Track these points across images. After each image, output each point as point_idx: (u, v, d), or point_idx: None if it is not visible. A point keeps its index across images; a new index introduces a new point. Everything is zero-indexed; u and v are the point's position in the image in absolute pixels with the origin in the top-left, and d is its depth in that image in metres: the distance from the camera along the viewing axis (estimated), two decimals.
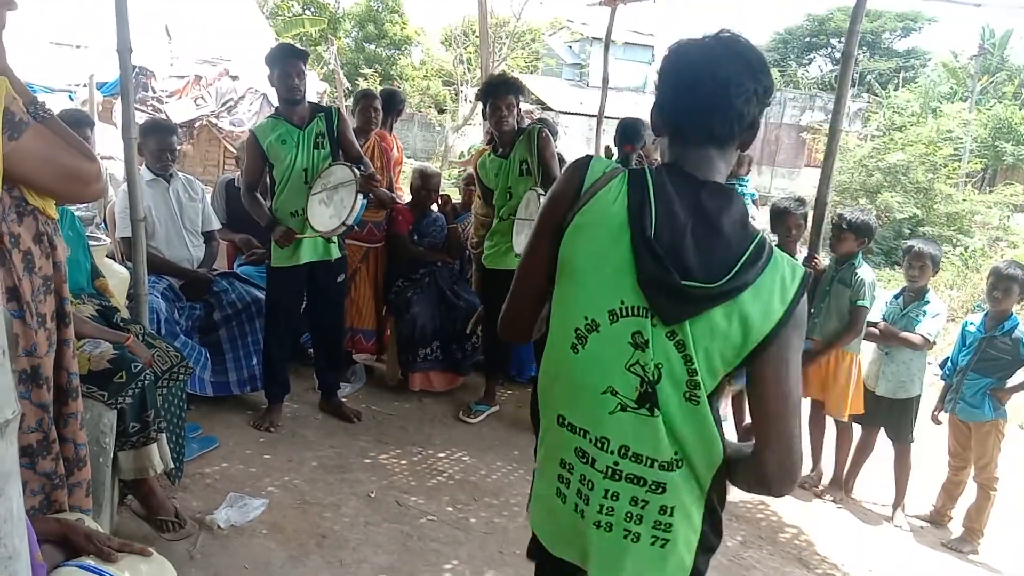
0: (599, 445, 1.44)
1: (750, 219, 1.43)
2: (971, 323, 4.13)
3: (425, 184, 4.98)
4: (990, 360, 3.91)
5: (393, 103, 5.35)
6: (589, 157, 1.51)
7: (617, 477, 1.44)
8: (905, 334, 4.02)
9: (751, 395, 1.40)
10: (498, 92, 4.23)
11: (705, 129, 1.40)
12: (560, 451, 1.52)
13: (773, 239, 4.45)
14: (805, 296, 1.37)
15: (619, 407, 1.41)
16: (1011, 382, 3.89)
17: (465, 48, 30.98)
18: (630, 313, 1.37)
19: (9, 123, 1.47)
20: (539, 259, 1.51)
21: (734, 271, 1.32)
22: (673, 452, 1.40)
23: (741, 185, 4.52)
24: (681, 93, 1.42)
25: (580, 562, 1.53)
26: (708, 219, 1.36)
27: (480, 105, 4.33)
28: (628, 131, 4.64)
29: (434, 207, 5.15)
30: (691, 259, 1.33)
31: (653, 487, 1.42)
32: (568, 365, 1.45)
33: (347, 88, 16.56)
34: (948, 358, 4.24)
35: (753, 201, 4.61)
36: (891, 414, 4.16)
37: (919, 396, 4.16)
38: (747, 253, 1.34)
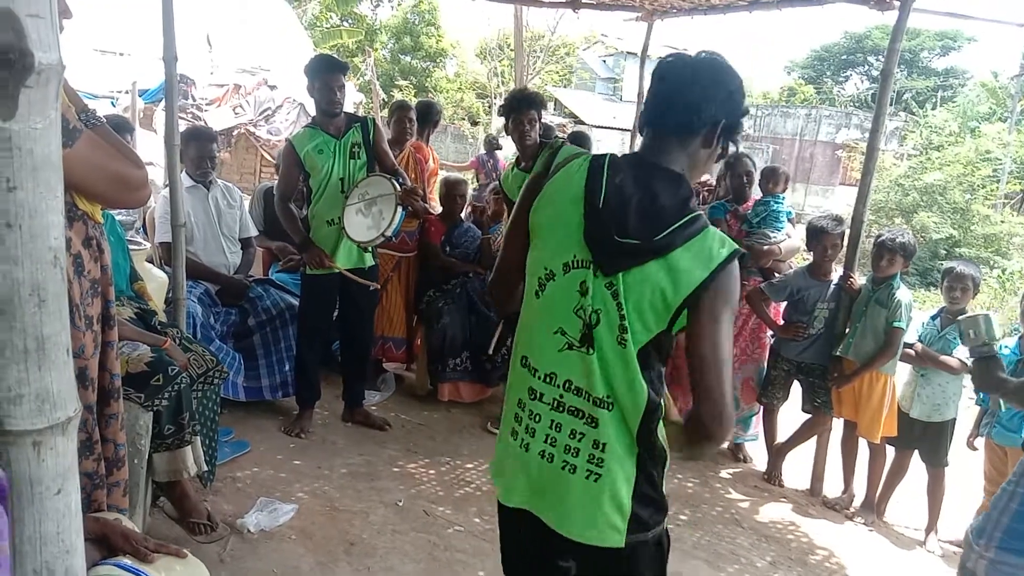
0: (548, 380, 1.69)
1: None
2: (1006, 346, 4.05)
3: (451, 192, 5.01)
4: None
5: (430, 115, 5.39)
6: (562, 143, 1.85)
7: (561, 409, 1.68)
8: (943, 358, 3.96)
9: (687, 355, 1.59)
10: (520, 107, 4.26)
11: (665, 122, 1.65)
12: (517, 392, 1.77)
13: (809, 258, 4.41)
14: (735, 270, 1.58)
15: (566, 345, 1.66)
16: None
17: (500, 61, 31.14)
18: (579, 265, 1.63)
19: (64, 131, 1.50)
20: (519, 228, 1.78)
21: (664, 233, 1.55)
22: (605, 391, 1.63)
23: (777, 203, 4.48)
24: (654, 94, 1.67)
25: (526, 504, 1.75)
26: (653, 195, 1.60)
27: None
28: None
29: (465, 216, 5.17)
30: (631, 223, 1.57)
31: (589, 420, 1.65)
32: (532, 310, 1.74)
33: (383, 99, 16.70)
34: None
35: (790, 219, 4.57)
36: (925, 437, 4.09)
37: (954, 420, 4.09)
38: (680, 222, 1.56)
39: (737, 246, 1.61)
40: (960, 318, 2.66)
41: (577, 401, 1.66)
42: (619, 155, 1.69)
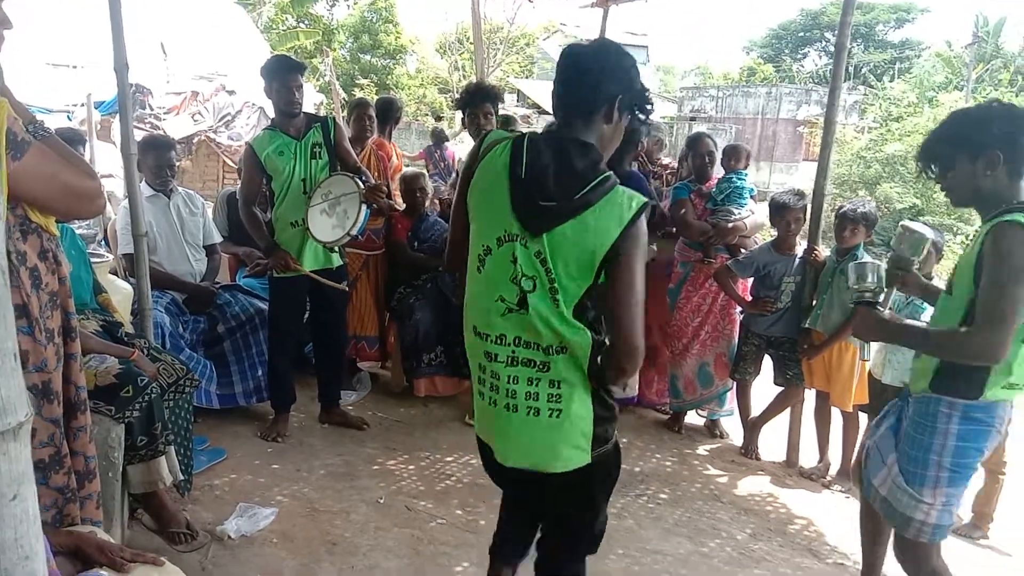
0: (499, 341, 1.90)
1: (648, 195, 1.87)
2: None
3: (410, 187, 4.99)
4: None
5: (390, 111, 5.38)
6: (490, 132, 2.08)
7: (515, 363, 1.89)
8: (910, 323, 4.02)
9: (607, 296, 1.83)
10: (475, 101, 4.28)
11: (571, 102, 1.88)
12: (477, 358, 1.99)
13: (774, 233, 4.46)
14: (644, 220, 1.80)
15: (507, 310, 1.87)
16: None
17: (460, 55, 31.05)
18: (510, 239, 1.85)
19: (12, 143, 1.48)
20: (460, 211, 2.04)
21: (581, 193, 1.77)
22: (553, 340, 1.84)
23: (740, 180, 4.53)
24: (559, 79, 1.90)
25: (506, 460, 1.99)
26: (567, 162, 1.81)
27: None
28: None
29: (431, 209, 5.15)
30: (550, 188, 1.79)
31: (542, 366, 1.87)
32: (475, 284, 1.96)
33: (343, 99, 16.60)
34: None
35: (752, 196, 4.62)
36: None
37: None
38: (594, 182, 1.78)
39: (645, 199, 1.82)
40: (851, 264, 2.70)
41: (528, 353, 1.88)
42: (536, 135, 1.91)
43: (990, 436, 2.36)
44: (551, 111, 1.97)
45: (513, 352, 1.89)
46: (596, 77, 1.84)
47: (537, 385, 1.88)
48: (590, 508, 2.08)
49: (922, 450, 2.39)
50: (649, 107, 1.92)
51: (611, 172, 1.84)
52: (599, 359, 1.88)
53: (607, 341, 1.88)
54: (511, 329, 1.88)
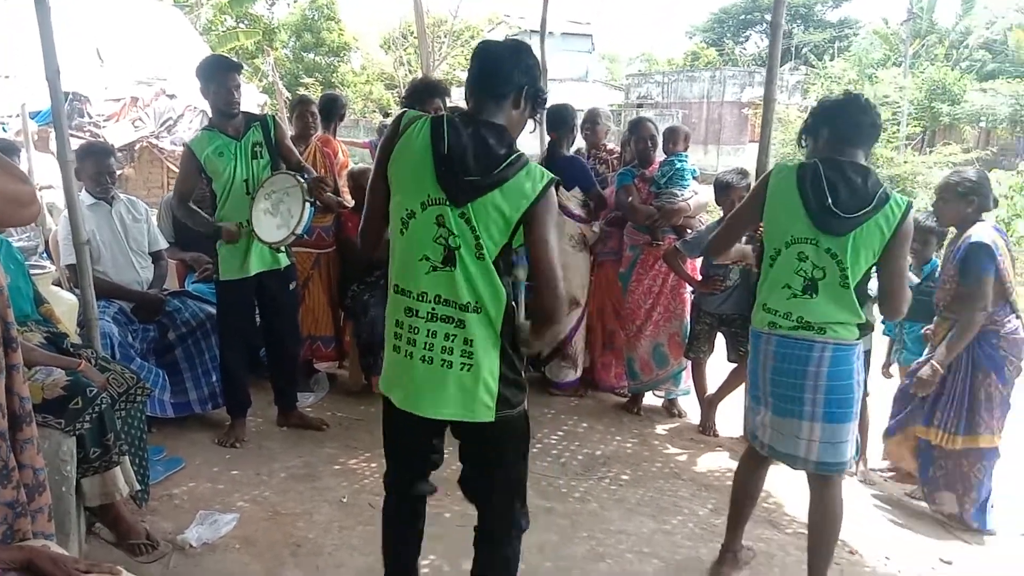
0: (420, 298, 2.13)
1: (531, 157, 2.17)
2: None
3: (358, 183, 4.94)
4: (921, 305, 4.05)
5: (334, 108, 5.32)
6: (406, 111, 2.26)
7: (435, 319, 2.12)
8: None
9: (530, 256, 2.11)
10: (423, 97, 4.25)
11: (486, 89, 2.16)
12: (396, 314, 2.20)
13: (719, 213, 4.52)
14: (553, 191, 2.10)
15: (431, 268, 2.11)
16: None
17: (404, 50, 30.84)
18: (434, 203, 2.09)
19: None
20: (378, 180, 2.24)
21: (498, 169, 2.06)
22: (471, 298, 2.09)
23: (681, 161, 4.58)
24: (473, 69, 2.19)
25: (411, 407, 2.19)
26: (483, 142, 2.08)
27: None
28: (549, 120, 4.84)
29: None
30: (471, 164, 2.05)
31: (459, 323, 2.11)
32: (399, 245, 2.17)
33: (287, 99, 16.39)
34: None
35: (695, 176, 4.67)
36: None
37: (869, 351, 4.25)
38: (508, 160, 2.07)
39: (553, 176, 2.13)
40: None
41: (447, 310, 2.11)
42: (451, 116, 2.15)
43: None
44: (464, 96, 2.23)
45: (433, 309, 2.12)
46: (509, 68, 2.13)
47: (453, 341, 2.11)
48: (498, 466, 2.32)
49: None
50: (543, 102, 2.25)
51: (522, 152, 2.12)
52: (522, 315, 2.18)
53: (515, 305, 2.16)
54: (432, 287, 2.11)
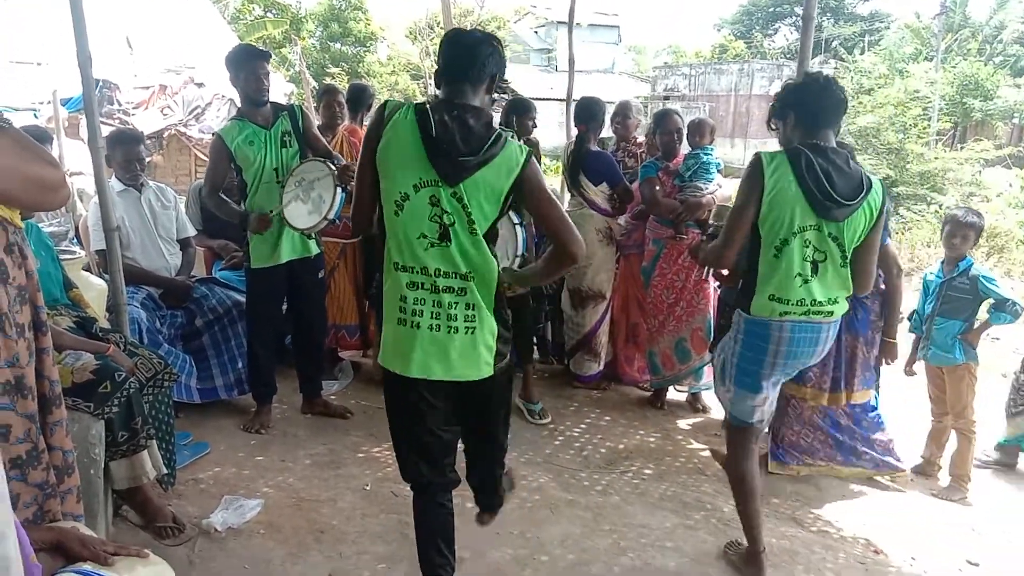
0: (422, 272, 2.28)
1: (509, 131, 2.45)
2: (930, 273, 4.22)
3: None
4: (953, 302, 4.00)
5: (363, 98, 5.33)
6: (387, 101, 2.38)
7: (438, 290, 2.28)
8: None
9: (535, 217, 2.38)
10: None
11: (460, 73, 2.31)
12: (398, 290, 2.31)
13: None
14: (534, 160, 2.30)
15: (430, 245, 2.26)
16: (977, 323, 4.00)
17: (431, 40, 30.82)
18: (427, 184, 2.24)
19: None
20: (366, 168, 2.34)
21: (484, 148, 2.22)
22: (467, 268, 2.28)
23: (706, 155, 4.54)
24: (449, 56, 2.33)
25: (422, 372, 2.33)
26: (465, 124, 2.24)
27: None
28: (578, 112, 4.81)
29: None
30: (459, 145, 2.21)
31: (460, 291, 2.29)
32: (395, 226, 2.29)
33: (313, 88, 16.45)
34: (915, 311, 4.28)
35: (719, 170, 4.63)
36: None
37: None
38: (491, 139, 2.24)
39: (529, 149, 2.34)
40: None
41: (448, 281, 2.28)
42: (431, 102, 2.30)
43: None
44: (436, 82, 2.38)
45: (435, 282, 2.28)
46: (485, 56, 2.31)
47: (456, 308, 2.30)
48: (499, 413, 2.58)
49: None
50: (501, 89, 2.46)
51: (502, 131, 2.32)
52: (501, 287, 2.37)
53: (502, 269, 2.39)
54: (432, 261, 2.27)
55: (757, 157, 2.80)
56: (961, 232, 3.98)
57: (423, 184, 2.23)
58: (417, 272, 2.28)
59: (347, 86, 5.64)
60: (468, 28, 2.48)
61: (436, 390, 2.40)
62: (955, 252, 4.02)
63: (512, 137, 2.40)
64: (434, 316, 2.29)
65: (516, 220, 2.93)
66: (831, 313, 2.82)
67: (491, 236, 2.32)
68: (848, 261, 2.78)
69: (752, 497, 3.04)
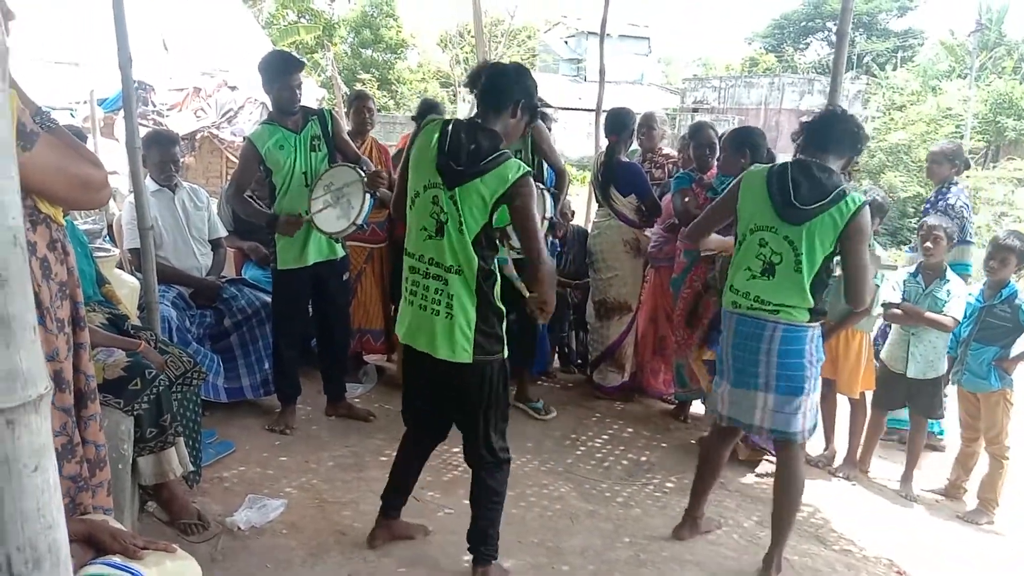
0: (421, 259, 2.69)
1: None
2: (970, 294, 4.14)
3: None
4: (991, 329, 3.93)
5: (434, 112, 5.36)
6: (431, 116, 2.88)
7: (429, 276, 2.67)
8: (937, 316, 3.96)
9: (514, 228, 2.69)
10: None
11: (488, 101, 2.69)
12: (406, 272, 2.76)
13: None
14: (530, 180, 2.59)
15: (427, 236, 2.65)
16: (1015, 351, 3.90)
17: (461, 49, 30.98)
18: (432, 186, 2.63)
19: (21, 134, 1.49)
20: (405, 168, 2.78)
21: (483, 162, 2.56)
22: (452, 262, 2.61)
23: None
24: (483, 84, 2.70)
25: (410, 341, 2.77)
26: (476, 142, 2.59)
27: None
28: (609, 123, 4.83)
29: None
30: (463, 158, 2.57)
31: (443, 281, 2.64)
32: (409, 217, 2.74)
33: (344, 93, 16.59)
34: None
35: None
36: (921, 394, 4.15)
37: (946, 373, 4.15)
38: (492, 156, 2.57)
39: (528, 168, 2.62)
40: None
41: (436, 270, 2.65)
42: (458, 120, 2.68)
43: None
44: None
45: (427, 269, 2.67)
46: (509, 85, 2.69)
47: (440, 294, 2.65)
48: (477, 402, 2.77)
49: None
50: (539, 113, 2.90)
51: (508, 152, 2.63)
52: (491, 286, 2.69)
53: (493, 269, 2.71)
54: (427, 251, 2.66)
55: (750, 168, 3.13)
56: (1000, 255, 3.90)
57: (430, 185, 2.63)
58: (416, 259, 2.70)
59: (376, 93, 5.67)
60: (501, 60, 2.91)
61: (426, 360, 2.74)
62: (995, 276, 3.95)
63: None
64: (423, 298, 2.70)
65: (544, 186, 3.13)
66: (777, 311, 2.90)
67: (485, 240, 2.63)
68: (804, 268, 2.84)
69: (705, 476, 3.34)
